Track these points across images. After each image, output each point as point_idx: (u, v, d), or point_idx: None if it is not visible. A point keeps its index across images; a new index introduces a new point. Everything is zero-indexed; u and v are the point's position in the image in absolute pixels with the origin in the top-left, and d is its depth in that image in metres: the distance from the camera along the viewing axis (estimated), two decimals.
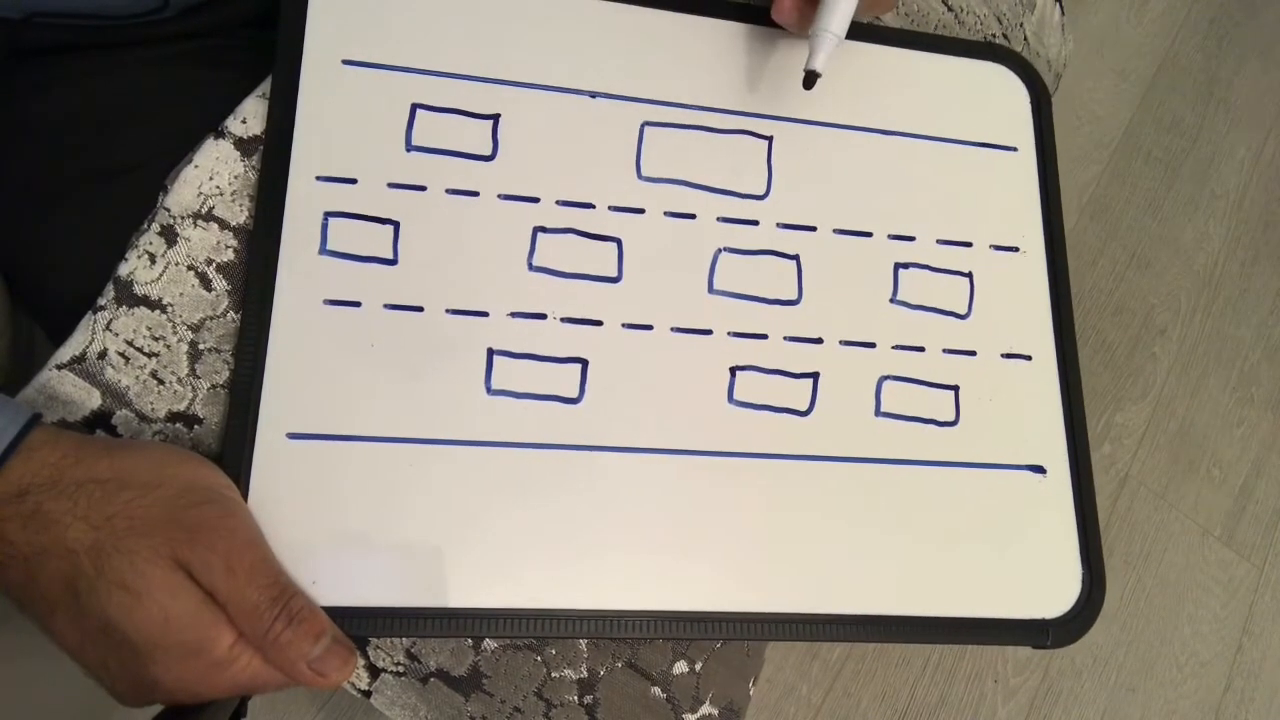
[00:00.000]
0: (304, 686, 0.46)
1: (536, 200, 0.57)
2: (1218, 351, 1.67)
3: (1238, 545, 1.56)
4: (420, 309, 0.54)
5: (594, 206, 0.57)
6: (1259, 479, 1.61)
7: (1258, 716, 1.48)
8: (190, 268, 0.53)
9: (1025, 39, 0.71)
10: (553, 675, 0.55)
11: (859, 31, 0.65)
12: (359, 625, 0.49)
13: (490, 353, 0.54)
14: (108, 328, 0.51)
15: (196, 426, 0.52)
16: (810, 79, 0.57)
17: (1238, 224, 1.77)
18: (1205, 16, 1.90)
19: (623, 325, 0.56)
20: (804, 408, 0.58)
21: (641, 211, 0.58)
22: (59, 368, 0.51)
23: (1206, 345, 1.67)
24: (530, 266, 0.56)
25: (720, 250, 0.59)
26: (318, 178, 0.54)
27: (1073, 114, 1.74)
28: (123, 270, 0.52)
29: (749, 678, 0.60)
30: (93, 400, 0.51)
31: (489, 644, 0.54)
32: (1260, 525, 1.58)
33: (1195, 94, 1.84)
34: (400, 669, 0.53)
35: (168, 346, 0.52)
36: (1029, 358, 0.62)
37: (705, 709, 0.57)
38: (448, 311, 0.54)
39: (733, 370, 0.57)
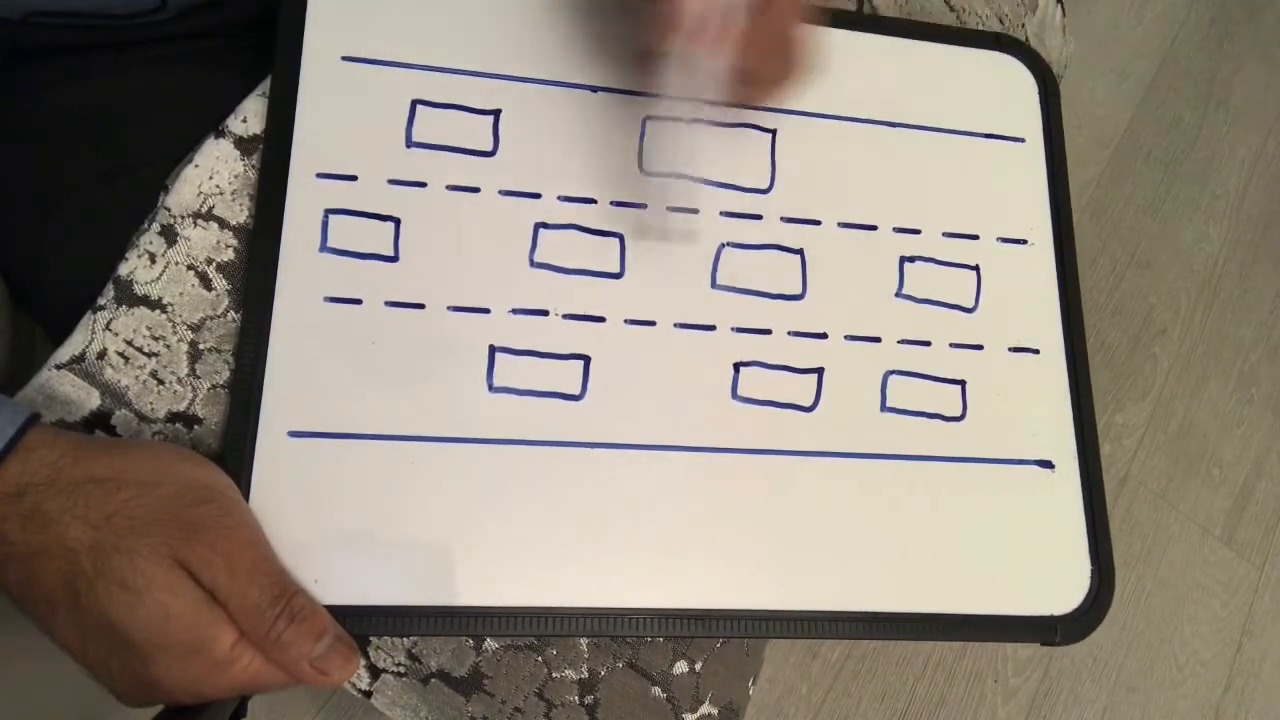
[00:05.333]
0: (305, 685, 0.46)
1: (538, 196, 0.56)
2: (1218, 351, 1.67)
3: (1238, 545, 1.55)
4: (421, 306, 0.54)
5: (596, 202, 0.57)
6: (1259, 479, 1.61)
7: (1258, 716, 1.48)
8: (190, 267, 0.53)
9: (1026, 39, 0.71)
10: (553, 676, 0.54)
11: (863, 23, 0.65)
12: (361, 624, 0.49)
13: (492, 350, 0.54)
14: (107, 327, 0.51)
15: (196, 426, 0.52)
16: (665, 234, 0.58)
17: (1238, 224, 1.77)
18: (1205, 16, 1.91)
19: (625, 321, 0.56)
20: (809, 403, 0.57)
21: (644, 206, 0.58)
22: (58, 367, 0.50)
23: (1206, 345, 1.67)
24: (532, 263, 0.56)
25: (723, 245, 0.58)
26: (318, 175, 0.54)
27: (1073, 114, 1.74)
28: (123, 270, 0.52)
29: (748, 677, 0.60)
30: (92, 400, 0.50)
31: (490, 644, 0.54)
32: (1260, 525, 1.58)
33: (1195, 94, 1.84)
34: (401, 669, 0.52)
35: (168, 346, 0.52)
36: (1037, 351, 0.62)
37: (705, 709, 0.57)
38: (449, 308, 0.54)
39: (736, 366, 0.57)
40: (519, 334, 0.55)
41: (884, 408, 0.59)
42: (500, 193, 0.56)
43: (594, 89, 0.59)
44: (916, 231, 0.62)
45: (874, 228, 0.61)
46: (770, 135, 0.61)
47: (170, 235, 0.52)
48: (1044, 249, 0.64)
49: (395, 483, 0.51)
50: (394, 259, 0.54)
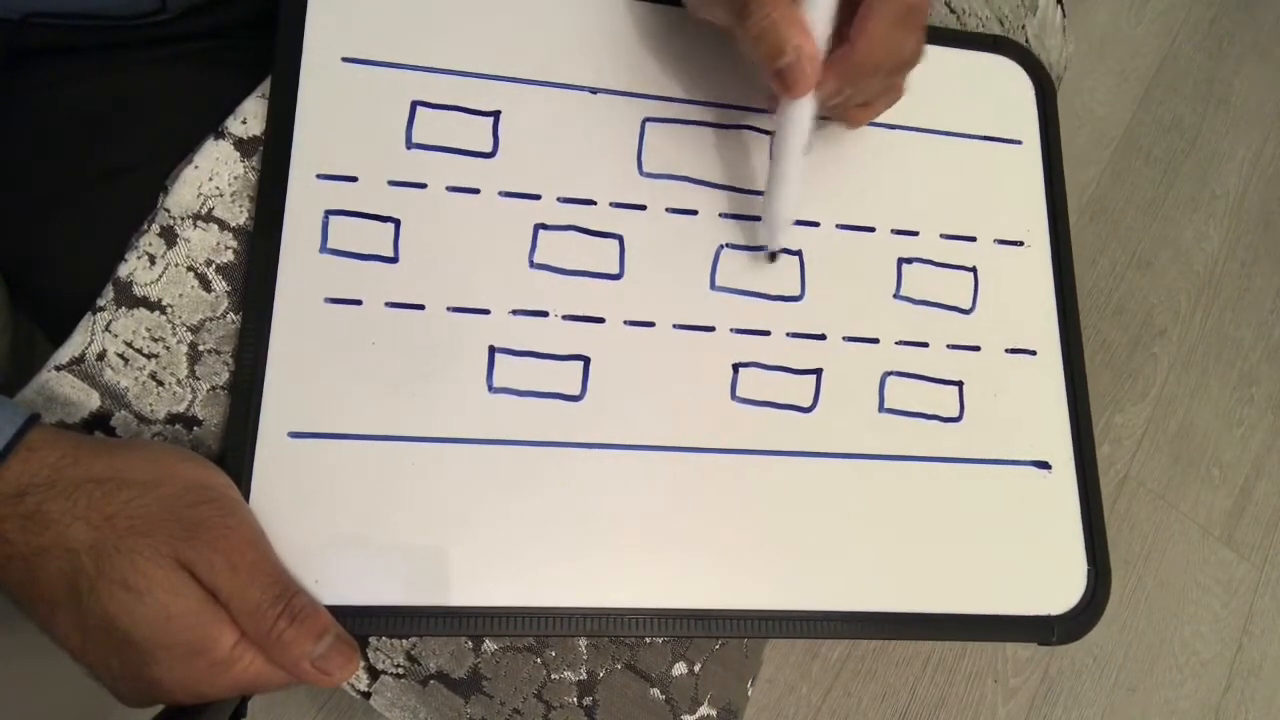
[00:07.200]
0: (305, 685, 0.46)
1: (537, 197, 0.57)
2: (1218, 351, 1.67)
3: (1238, 545, 1.56)
4: (421, 307, 0.54)
5: (595, 203, 0.57)
6: (1259, 479, 1.61)
7: (1258, 716, 1.48)
8: (190, 269, 0.53)
9: (1027, 40, 0.71)
10: (552, 677, 0.54)
11: None
12: (361, 624, 0.49)
13: (492, 350, 0.54)
14: (107, 329, 0.51)
15: (196, 428, 0.52)
16: (774, 256, 0.59)
17: (1238, 224, 1.77)
18: (1205, 16, 1.91)
19: (625, 322, 0.56)
20: (807, 404, 0.57)
21: (643, 208, 0.58)
22: (58, 369, 0.50)
23: (1206, 345, 1.67)
24: (531, 264, 0.56)
25: (722, 246, 0.59)
26: (318, 176, 0.54)
27: (1073, 114, 1.75)
28: (122, 271, 0.52)
29: (747, 678, 0.60)
30: (91, 401, 0.51)
31: (489, 646, 0.54)
32: (1260, 525, 1.58)
33: (1195, 94, 1.84)
34: (400, 671, 0.53)
35: (167, 348, 0.52)
36: (1034, 353, 0.62)
37: (704, 710, 0.57)
38: (449, 309, 0.54)
39: (735, 367, 0.57)
40: (519, 335, 0.55)
41: (882, 408, 0.59)
42: (500, 194, 0.56)
43: (593, 90, 0.59)
44: (914, 233, 0.62)
45: (872, 229, 0.61)
46: (769, 137, 0.61)
47: (170, 236, 0.53)
48: (1041, 251, 0.64)
49: (395, 483, 0.51)
50: (394, 260, 0.54)
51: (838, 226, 0.61)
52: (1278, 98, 1.89)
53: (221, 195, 0.54)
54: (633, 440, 0.54)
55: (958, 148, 0.64)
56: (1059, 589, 0.58)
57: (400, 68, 0.56)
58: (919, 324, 0.60)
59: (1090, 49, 1.80)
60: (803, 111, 0.53)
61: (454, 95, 0.57)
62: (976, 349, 0.61)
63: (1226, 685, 1.48)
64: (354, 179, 0.54)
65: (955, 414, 0.60)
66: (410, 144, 0.56)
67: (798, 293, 0.59)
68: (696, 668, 0.57)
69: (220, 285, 0.53)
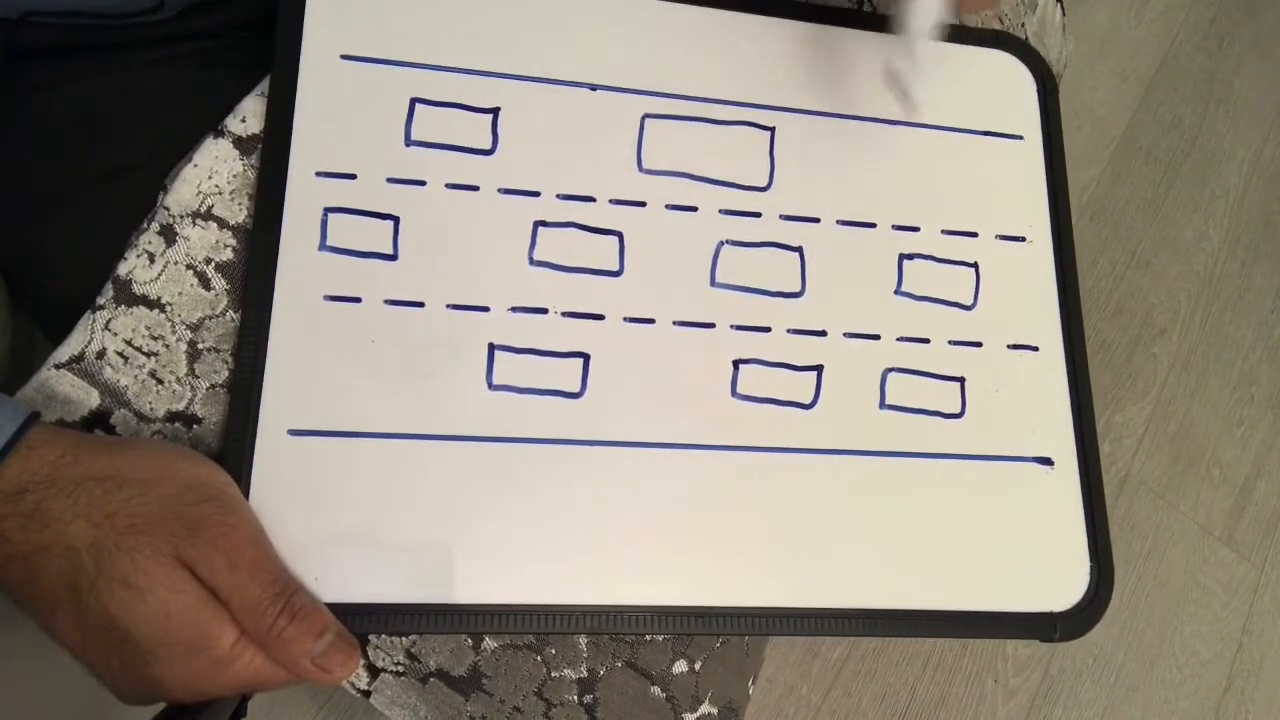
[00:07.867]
0: (305, 683, 0.46)
1: (537, 194, 0.57)
2: (1218, 351, 1.67)
3: (1238, 545, 1.55)
4: (421, 304, 0.54)
5: (595, 200, 0.57)
6: (1259, 479, 1.61)
7: (1258, 716, 1.48)
8: (189, 267, 0.53)
9: (1026, 39, 0.71)
10: (552, 675, 0.54)
11: (863, 20, 0.65)
12: (361, 622, 0.49)
13: (491, 348, 0.54)
14: (106, 327, 0.51)
15: (195, 426, 0.52)
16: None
17: (1238, 224, 1.77)
18: (1205, 16, 1.91)
19: (625, 319, 0.56)
20: (808, 401, 0.57)
21: (643, 204, 0.58)
22: (58, 367, 0.50)
23: (1206, 345, 1.67)
24: (531, 261, 0.56)
25: (722, 243, 0.59)
26: (317, 173, 0.54)
27: (1073, 114, 1.74)
28: (122, 270, 0.52)
29: (748, 677, 0.60)
30: (91, 400, 0.51)
31: (489, 644, 0.54)
32: (1260, 525, 1.58)
33: (1195, 94, 1.84)
34: (400, 669, 0.52)
35: (166, 346, 0.52)
36: (1036, 348, 0.62)
37: (705, 708, 0.57)
38: (448, 307, 0.54)
39: (736, 364, 0.57)
40: (518, 332, 0.55)
41: (883, 405, 0.59)
42: (499, 191, 0.56)
43: (593, 87, 0.59)
44: (915, 229, 0.62)
45: (873, 225, 0.61)
46: (769, 133, 0.61)
47: (169, 235, 0.53)
48: (1043, 246, 0.64)
49: (395, 481, 0.51)
50: (393, 257, 0.54)
51: (838, 222, 0.61)
52: (1278, 98, 1.89)
53: (221, 193, 0.54)
54: (633, 437, 0.54)
55: (959, 143, 0.64)
56: (1061, 586, 0.58)
57: (399, 65, 0.56)
58: (920, 320, 0.60)
59: (1090, 49, 1.80)
60: None
61: (453, 92, 0.57)
62: (978, 345, 0.61)
63: (1226, 685, 1.48)
64: (353, 176, 0.54)
65: (957, 410, 0.59)
66: (409, 141, 0.56)
67: (798, 289, 0.59)
68: (697, 666, 0.57)
69: (219, 283, 0.53)
